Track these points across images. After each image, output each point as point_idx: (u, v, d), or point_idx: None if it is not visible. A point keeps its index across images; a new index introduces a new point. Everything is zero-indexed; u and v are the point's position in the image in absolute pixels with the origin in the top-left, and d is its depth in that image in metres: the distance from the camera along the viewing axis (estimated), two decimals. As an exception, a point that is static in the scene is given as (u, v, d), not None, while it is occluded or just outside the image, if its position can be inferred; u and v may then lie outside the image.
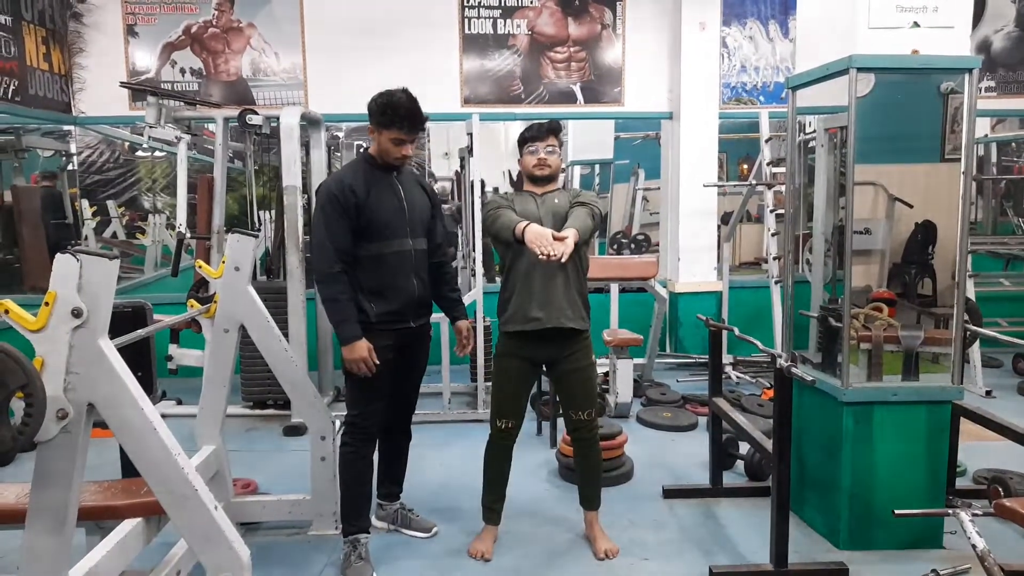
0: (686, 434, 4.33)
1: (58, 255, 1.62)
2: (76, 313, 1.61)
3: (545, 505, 3.33)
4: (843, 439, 2.79)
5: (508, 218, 2.59)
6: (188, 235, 4.56)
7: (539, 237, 2.43)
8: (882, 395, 2.76)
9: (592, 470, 2.92)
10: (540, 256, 2.39)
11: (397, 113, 2.58)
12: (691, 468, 3.77)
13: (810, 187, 3.67)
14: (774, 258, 4.92)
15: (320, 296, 2.71)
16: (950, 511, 2.51)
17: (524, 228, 2.48)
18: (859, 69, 2.64)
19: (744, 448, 3.67)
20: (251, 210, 5.06)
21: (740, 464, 3.69)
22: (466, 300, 4.64)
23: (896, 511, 2.53)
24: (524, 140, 2.76)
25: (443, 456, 3.95)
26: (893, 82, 3.35)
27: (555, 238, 2.43)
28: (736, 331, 3.11)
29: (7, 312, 1.60)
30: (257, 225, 5.37)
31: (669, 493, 3.39)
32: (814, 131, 4.08)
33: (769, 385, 4.99)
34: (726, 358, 5.27)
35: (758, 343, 2.87)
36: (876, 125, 2.72)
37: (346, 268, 2.62)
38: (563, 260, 2.39)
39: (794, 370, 2.46)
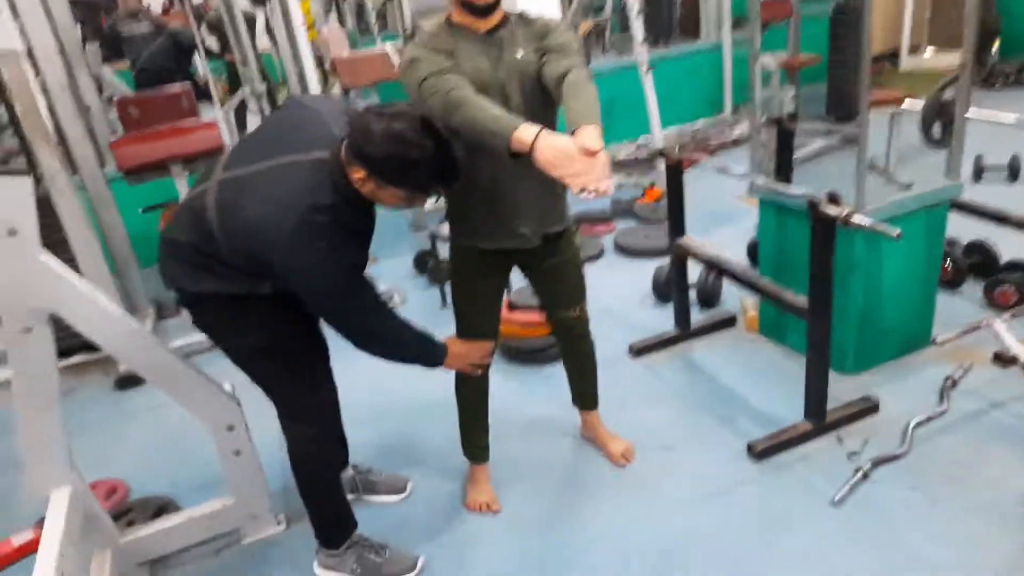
0: (595, 265, 3.88)
1: None
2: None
3: (514, 407, 2.76)
4: (854, 266, 2.46)
5: (481, 109, 1.64)
6: None
7: (567, 159, 1.54)
8: (891, 211, 2.42)
9: (590, 370, 2.38)
10: (582, 195, 1.56)
11: (423, 177, 1.63)
12: (628, 309, 3.35)
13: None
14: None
15: (382, 340, 1.85)
16: (983, 324, 2.35)
17: (536, 139, 1.57)
18: None
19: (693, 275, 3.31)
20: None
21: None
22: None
23: (937, 338, 2.33)
24: None
25: (370, 373, 3.13)
26: None
27: (587, 151, 1.54)
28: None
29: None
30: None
31: (638, 351, 2.97)
32: None
33: (651, 184, 4.61)
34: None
35: (793, 191, 2.33)
36: None
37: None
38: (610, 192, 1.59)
39: (856, 219, 1.99)
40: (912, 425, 2.36)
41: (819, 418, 2.37)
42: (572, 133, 1.60)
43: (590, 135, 1.56)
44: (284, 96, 6.15)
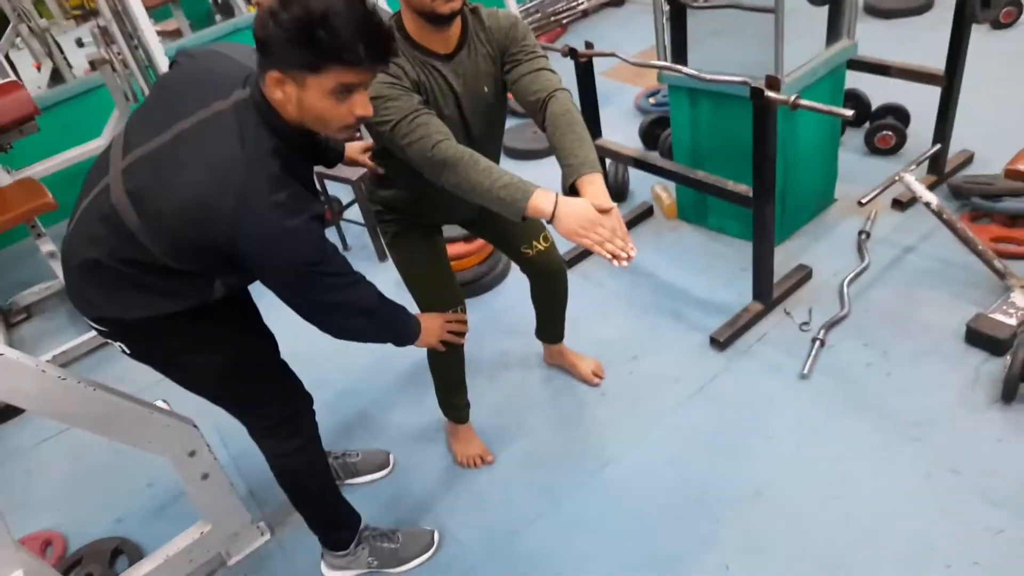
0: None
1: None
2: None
3: (468, 348, 2.61)
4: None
5: (483, 173, 1.50)
6: None
7: (592, 224, 1.45)
8: (804, 80, 2.45)
9: (562, 305, 2.30)
10: (614, 264, 1.46)
11: (341, 36, 1.22)
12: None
13: None
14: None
15: (361, 312, 1.56)
16: (895, 179, 2.49)
17: (555, 208, 1.46)
18: None
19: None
20: None
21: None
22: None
23: (861, 200, 2.43)
24: None
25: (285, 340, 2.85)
26: None
27: (600, 209, 1.47)
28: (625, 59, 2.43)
29: None
30: None
31: (570, 262, 2.92)
32: None
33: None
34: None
35: (727, 78, 2.23)
36: None
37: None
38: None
39: (804, 102, 1.98)
40: (845, 284, 2.52)
41: (767, 297, 2.47)
42: (571, 183, 1.54)
43: (600, 190, 1.51)
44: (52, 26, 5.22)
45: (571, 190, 1.55)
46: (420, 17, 1.56)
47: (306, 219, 1.32)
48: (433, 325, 1.82)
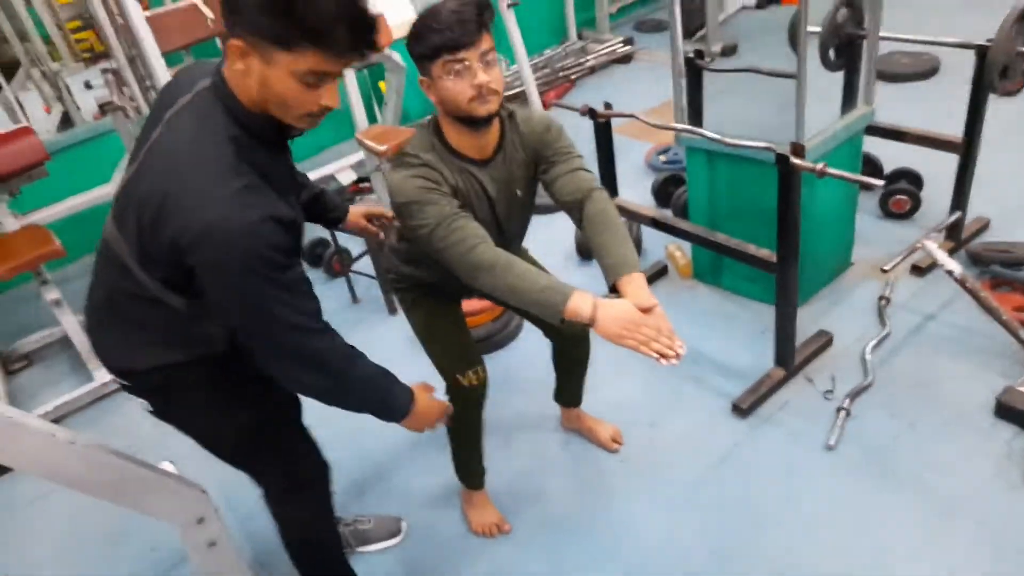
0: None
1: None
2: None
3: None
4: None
5: (521, 277, 1.49)
6: None
7: (635, 326, 1.42)
8: (825, 145, 2.44)
9: (584, 368, 2.26)
10: (663, 363, 1.41)
11: (326, 12, 1.12)
12: (556, 275, 3.22)
13: None
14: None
15: (320, 363, 1.35)
16: (918, 246, 2.47)
17: (595, 311, 1.43)
18: None
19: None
20: None
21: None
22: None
23: (884, 267, 2.41)
24: (437, 48, 1.46)
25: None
26: None
27: (642, 308, 1.45)
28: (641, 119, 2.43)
29: None
30: None
31: (585, 320, 2.88)
32: None
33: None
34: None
35: (750, 144, 2.23)
36: None
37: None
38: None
39: (832, 171, 1.96)
40: (868, 352, 2.47)
41: (789, 363, 2.42)
42: (612, 284, 1.54)
43: (640, 288, 1.49)
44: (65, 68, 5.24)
45: (612, 289, 1.55)
46: (458, 122, 1.58)
47: (259, 216, 1.17)
48: (430, 406, 1.59)
